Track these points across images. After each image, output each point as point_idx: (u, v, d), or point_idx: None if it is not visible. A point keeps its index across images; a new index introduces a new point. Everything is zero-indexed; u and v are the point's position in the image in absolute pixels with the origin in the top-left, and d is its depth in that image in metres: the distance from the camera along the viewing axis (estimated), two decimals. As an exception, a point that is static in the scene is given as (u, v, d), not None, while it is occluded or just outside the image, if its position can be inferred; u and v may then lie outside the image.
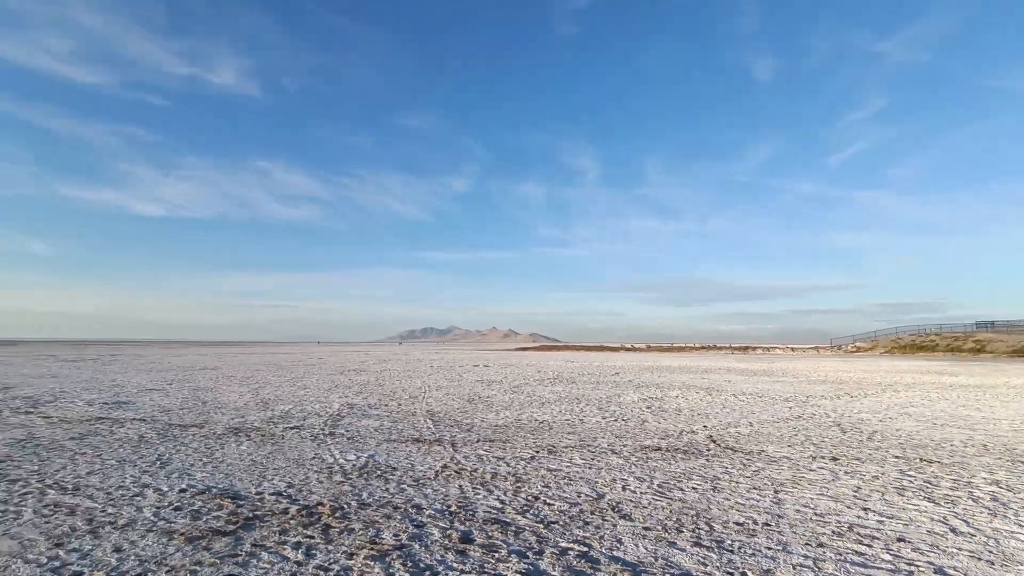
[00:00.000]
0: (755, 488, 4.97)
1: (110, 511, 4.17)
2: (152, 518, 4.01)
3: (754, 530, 3.88)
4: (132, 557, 3.32)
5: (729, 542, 3.65)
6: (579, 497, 4.65)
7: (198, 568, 3.18)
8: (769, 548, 3.54)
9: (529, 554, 3.43)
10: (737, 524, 4.00)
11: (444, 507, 4.34)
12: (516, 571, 3.18)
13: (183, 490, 4.73)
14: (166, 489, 4.76)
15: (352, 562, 3.29)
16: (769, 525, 3.98)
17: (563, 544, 3.59)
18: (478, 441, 7.02)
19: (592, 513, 4.22)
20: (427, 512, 4.22)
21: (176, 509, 4.22)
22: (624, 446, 6.78)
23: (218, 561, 3.27)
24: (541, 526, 3.93)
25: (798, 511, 4.31)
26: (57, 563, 3.24)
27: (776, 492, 4.84)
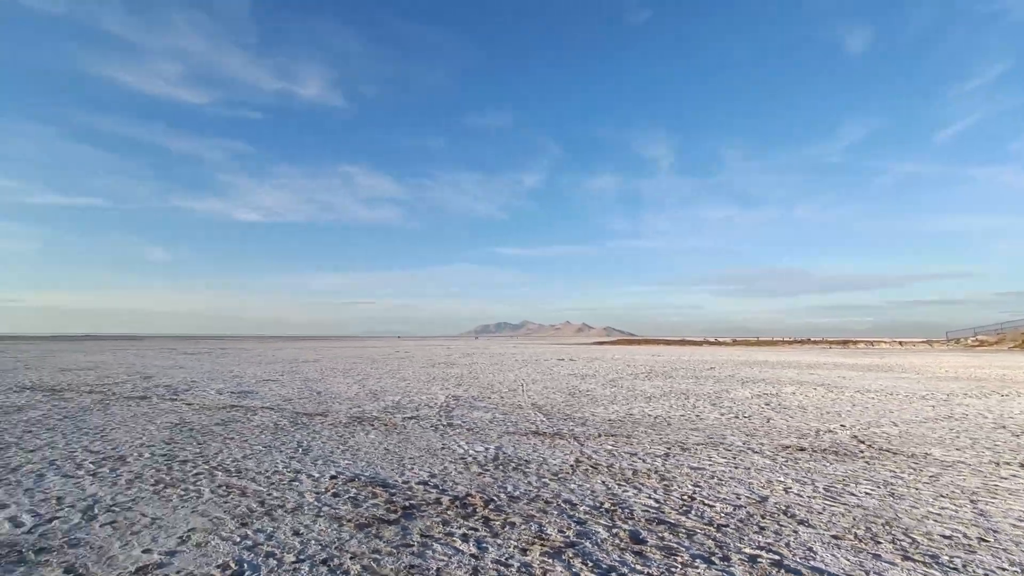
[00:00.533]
0: (943, 496, 4.37)
1: (276, 495, 4.35)
2: (316, 503, 4.14)
3: (970, 545, 3.36)
4: (312, 542, 3.40)
5: (946, 558, 3.17)
6: (739, 499, 4.29)
7: (378, 556, 3.19)
8: (1004, 570, 3.04)
9: (714, 559, 3.15)
10: (944, 537, 3.50)
11: (597, 503, 4.15)
12: (710, 578, 2.92)
13: (333, 476, 4.88)
14: (317, 475, 4.93)
15: (528, 558, 3.17)
16: (986, 540, 3.45)
17: (747, 550, 3.28)
18: (599, 436, 6.79)
19: (763, 517, 3.86)
20: (581, 508, 4.04)
21: (335, 495, 4.33)
22: (762, 445, 6.28)
23: (394, 550, 3.27)
24: (712, 528, 3.64)
25: (1014, 525, 3.71)
26: (249, 542, 3.37)
27: (973, 502, 4.22)
